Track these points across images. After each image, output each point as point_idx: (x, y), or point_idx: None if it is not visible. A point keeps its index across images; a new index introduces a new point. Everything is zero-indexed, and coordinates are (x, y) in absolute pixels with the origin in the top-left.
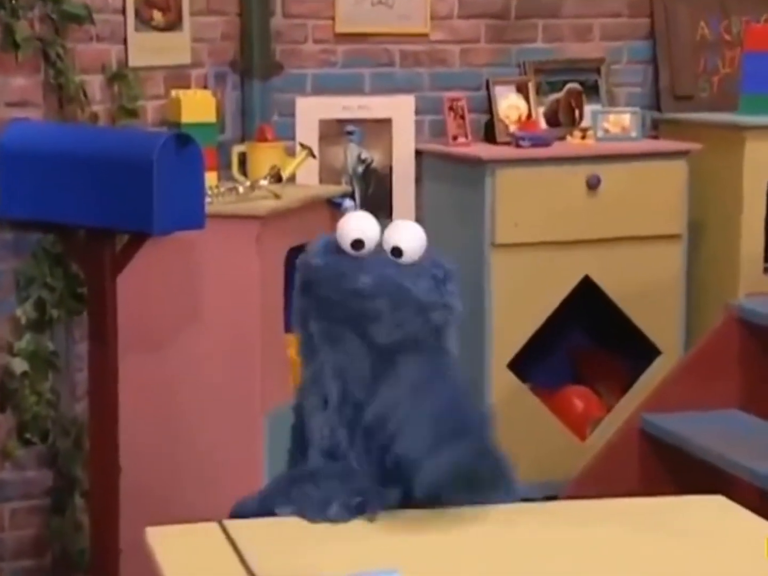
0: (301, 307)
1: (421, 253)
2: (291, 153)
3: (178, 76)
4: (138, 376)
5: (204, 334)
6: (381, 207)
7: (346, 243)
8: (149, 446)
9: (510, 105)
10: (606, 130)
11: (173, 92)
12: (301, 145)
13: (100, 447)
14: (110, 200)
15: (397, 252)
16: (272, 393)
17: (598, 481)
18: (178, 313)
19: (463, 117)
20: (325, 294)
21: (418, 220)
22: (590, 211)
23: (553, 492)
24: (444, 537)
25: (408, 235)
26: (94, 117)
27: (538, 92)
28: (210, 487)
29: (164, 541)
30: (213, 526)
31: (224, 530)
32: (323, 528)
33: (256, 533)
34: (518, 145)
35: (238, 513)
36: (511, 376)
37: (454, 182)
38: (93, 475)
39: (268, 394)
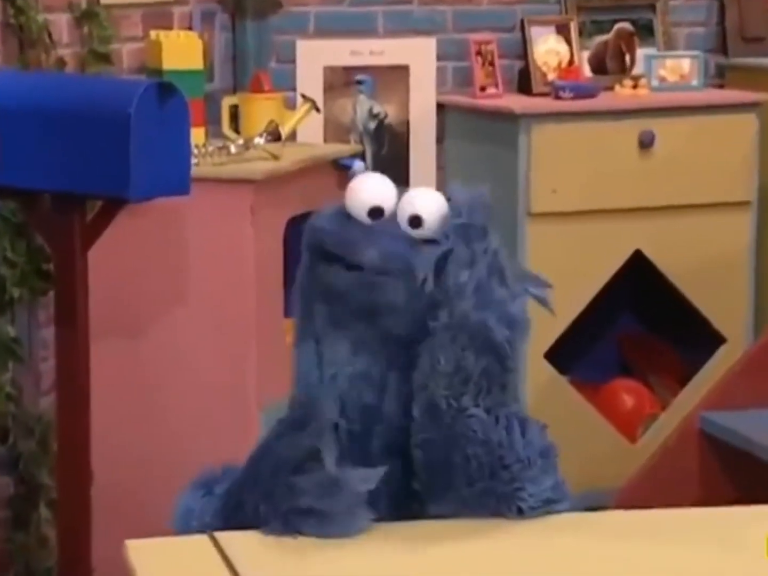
0: (306, 278)
1: (442, 224)
2: (291, 106)
3: (158, 15)
4: (113, 366)
5: (190, 318)
6: (396, 170)
7: (361, 211)
8: (127, 448)
9: (548, 49)
10: (662, 79)
11: (153, 34)
12: (303, 96)
13: (70, 449)
14: (80, 161)
15: (415, 221)
16: (270, 386)
17: (651, 490)
18: (160, 294)
19: (492, 63)
20: (330, 266)
21: (440, 185)
22: (643, 174)
23: (598, 503)
24: (462, 550)
25: (429, 201)
26: (61, 63)
27: (581, 34)
28: None
29: (146, 557)
30: (202, 539)
31: (215, 543)
32: (326, 539)
33: (253, 546)
34: (558, 97)
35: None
36: (548, 368)
37: (481, 141)
38: (61, 482)
39: (265, 387)
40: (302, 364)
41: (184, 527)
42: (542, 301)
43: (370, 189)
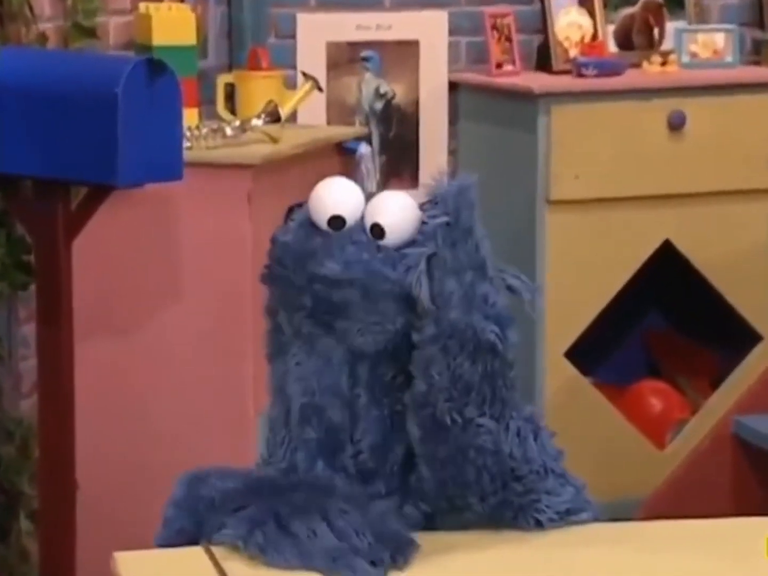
0: (269, 292)
1: (410, 232)
2: (291, 85)
3: None
4: (100, 367)
5: (182, 315)
6: (404, 154)
7: (321, 220)
8: (114, 455)
9: (570, 23)
10: (693, 55)
11: (141, 6)
12: (304, 74)
13: (53, 455)
14: (63, 144)
15: (377, 231)
16: (267, 388)
17: (681, 500)
18: (150, 289)
19: (509, 39)
20: (292, 278)
21: (453, 169)
22: (672, 158)
23: (623, 514)
24: (475, 562)
25: (393, 209)
26: (42, 38)
27: (606, 6)
28: None
29: (137, 570)
30: (197, 551)
31: (211, 555)
32: None
33: (253, 559)
34: (580, 75)
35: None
36: (569, 368)
37: (497, 123)
38: (43, 491)
39: (263, 390)
40: (275, 379)
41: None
42: (518, 292)
43: (332, 197)
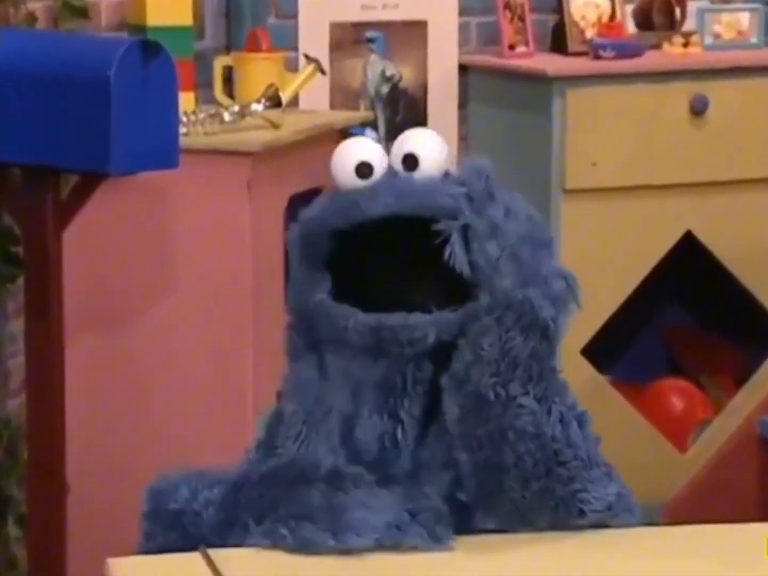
0: (300, 279)
1: (442, 164)
2: (293, 68)
3: None
4: (91, 364)
5: (179, 309)
6: None
7: (348, 171)
8: (106, 456)
9: (587, 2)
10: (717, 35)
11: None
12: (306, 57)
13: (42, 457)
14: (53, 130)
15: (411, 161)
16: (268, 388)
17: (704, 504)
18: (144, 282)
19: (522, 18)
20: (332, 241)
21: (463, 156)
22: (695, 144)
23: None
24: (497, 565)
25: (425, 141)
26: (31, 18)
27: None
28: None
29: None
30: (194, 556)
31: (209, 561)
32: (338, 559)
33: (252, 564)
34: (598, 56)
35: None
36: (585, 366)
37: (510, 107)
38: (32, 495)
39: (263, 388)
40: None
41: (157, 504)
42: (570, 279)
43: (354, 147)
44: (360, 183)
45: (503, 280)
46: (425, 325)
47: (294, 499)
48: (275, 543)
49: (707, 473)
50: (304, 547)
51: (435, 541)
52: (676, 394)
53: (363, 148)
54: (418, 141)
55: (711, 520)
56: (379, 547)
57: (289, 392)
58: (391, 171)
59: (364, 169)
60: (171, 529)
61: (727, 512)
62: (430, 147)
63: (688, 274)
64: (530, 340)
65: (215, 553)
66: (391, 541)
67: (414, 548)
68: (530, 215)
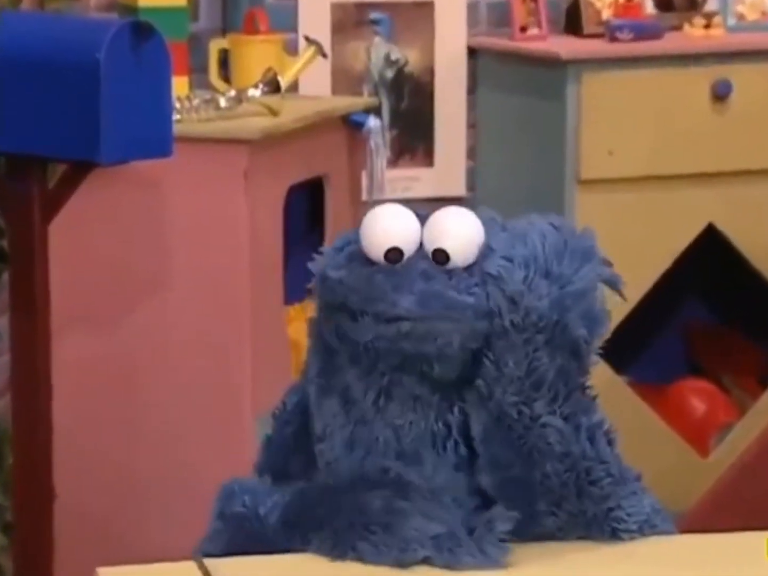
0: (329, 343)
1: (475, 253)
2: (292, 51)
3: None
4: (80, 364)
5: (172, 306)
6: (418, 127)
7: (377, 254)
8: (96, 461)
9: None
10: (740, 16)
11: None
12: (307, 39)
13: (28, 462)
14: (39, 117)
15: (441, 256)
16: (267, 389)
17: (726, 512)
18: (136, 277)
19: None
20: (372, 336)
21: (472, 144)
22: (717, 131)
23: None
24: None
25: (456, 230)
26: None
27: None
28: (183, 515)
29: None
30: (189, 566)
31: (204, 571)
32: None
33: (248, 573)
34: (614, 39)
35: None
36: (602, 366)
37: (521, 92)
38: (18, 501)
39: (262, 390)
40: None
41: (226, 508)
42: (614, 284)
43: (386, 227)
44: (387, 265)
45: (536, 301)
46: (449, 331)
47: (354, 507)
48: (333, 555)
49: (730, 479)
50: (362, 559)
51: (488, 560)
52: (697, 396)
53: (397, 229)
54: (447, 234)
55: (733, 529)
56: (431, 561)
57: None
58: (422, 256)
59: (394, 255)
60: (238, 530)
61: (750, 519)
62: (460, 239)
63: (710, 269)
64: (559, 358)
65: (210, 563)
66: (445, 559)
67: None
68: (559, 226)
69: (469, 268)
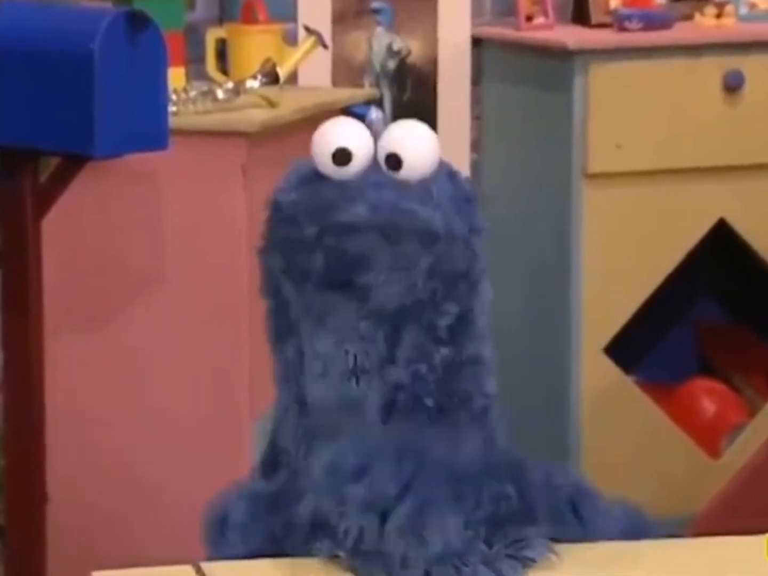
0: (269, 266)
1: (431, 165)
2: (292, 41)
3: None
4: (74, 363)
5: (168, 303)
6: (421, 119)
7: (325, 157)
8: (89, 463)
9: None
10: (752, 5)
11: None
12: (307, 29)
13: (20, 464)
14: (31, 109)
15: (393, 161)
16: (265, 389)
17: (738, 515)
18: (131, 274)
19: None
20: (303, 240)
21: (476, 137)
22: (728, 124)
23: (671, 531)
24: None
25: (411, 138)
26: None
27: None
28: (180, 518)
29: None
30: (186, 570)
31: (200, 574)
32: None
33: None
34: (623, 28)
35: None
36: (609, 365)
37: (528, 83)
38: (10, 505)
39: (260, 390)
40: (282, 365)
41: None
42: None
43: (335, 131)
44: (338, 170)
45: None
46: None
47: None
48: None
49: (741, 482)
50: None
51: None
52: (708, 396)
53: (344, 131)
54: (402, 140)
55: (744, 533)
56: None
57: (279, 385)
58: (374, 166)
59: (341, 157)
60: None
61: (764, 524)
62: (416, 144)
63: (721, 266)
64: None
65: (207, 566)
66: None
67: None
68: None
69: (421, 184)
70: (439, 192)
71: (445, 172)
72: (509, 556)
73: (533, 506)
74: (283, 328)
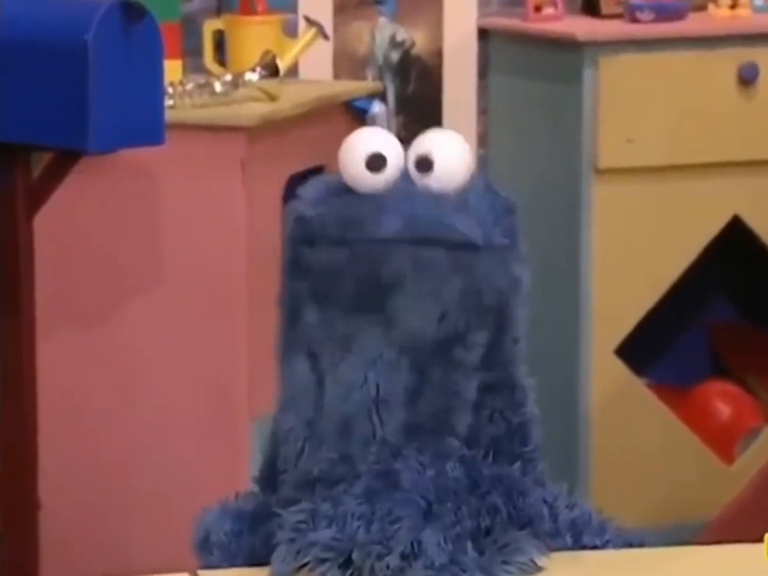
0: (293, 289)
1: (464, 172)
2: (292, 32)
3: None
4: (67, 364)
5: (165, 302)
6: (426, 112)
7: (358, 163)
8: (83, 469)
9: None
10: None
11: None
12: (307, 20)
13: (12, 470)
14: (24, 103)
15: (424, 164)
16: (265, 390)
17: (752, 522)
18: (126, 273)
19: None
20: (332, 261)
21: (482, 131)
22: (743, 117)
23: (683, 538)
24: None
25: (442, 141)
26: None
27: None
28: (177, 524)
29: None
30: None
31: None
32: None
33: None
34: (634, 19)
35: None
36: (620, 367)
37: (536, 76)
38: (2, 511)
39: (259, 391)
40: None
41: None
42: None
43: (367, 136)
44: (371, 178)
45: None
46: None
47: None
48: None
49: (755, 488)
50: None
51: None
52: (722, 399)
53: (376, 138)
54: (433, 141)
55: (759, 540)
56: None
57: (285, 403)
58: (405, 176)
59: (376, 162)
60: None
61: None
62: (449, 148)
63: (735, 264)
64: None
65: (204, 574)
66: None
67: None
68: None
69: (456, 193)
70: (475, 202)
71: (481, 182)
72: (504, 562)
73: (529, 520)
74: (297, 346)
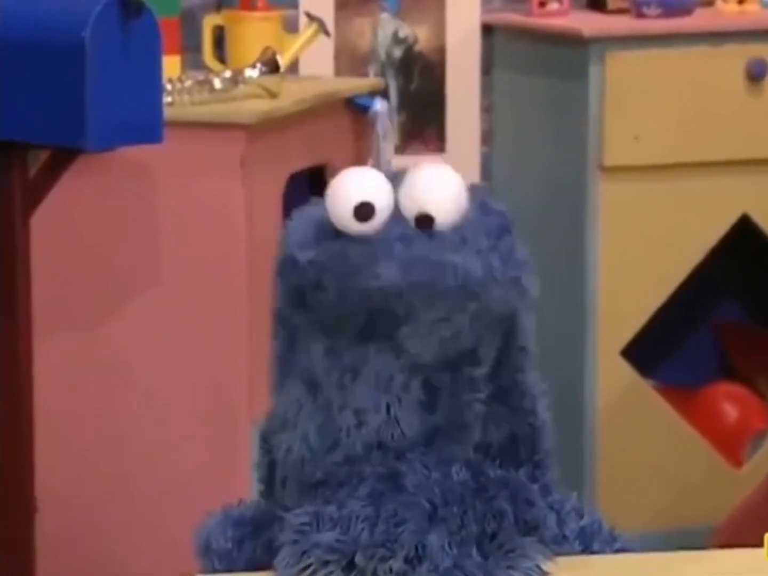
0: (289, 317)
1: (461, 210)
2: (292, 28)
3: None
4: (64, 366)
5: (164, 303)
6: (429, 111)
7: (345, 212)
8: (81, 472)
9: None
10: None
11: None
12: (308, 15)
13: (8, 473)
14: (20, 100)
15: (425, 221)
16: (264, 393)
17: (762, 526)
18: (124, 273)
19: None
20: (331, 304)
21: (486, 129)
22: (752, 115)
23: (690, 543)
24: None
25: (438, 192)
26: None
27: None
28: (175, 528)
29: None
30: None
31: None
32: None
33: None
34: (640, 14)
35: None
36: (626, 369)
37: (541, 72)
38: None
39: (259, 395)
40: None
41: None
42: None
43: (354, 183)
44: (360, 225)
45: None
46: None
47: None
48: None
49: (765, 491)
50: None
51: None
52: (730, 401)
53: (364, 183)
54: (430, 195)
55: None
56: None
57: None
58: (397, 221)
59: (364, 211)
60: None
61: None
62: (444, 199)
63: (744, 264)
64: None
65: None
66: None
67: None
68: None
69: (453, 232)
70: (473, 232)
71: (475, 204)
72: (509, 567)
73: (535, 525)
74: (297, 373)
